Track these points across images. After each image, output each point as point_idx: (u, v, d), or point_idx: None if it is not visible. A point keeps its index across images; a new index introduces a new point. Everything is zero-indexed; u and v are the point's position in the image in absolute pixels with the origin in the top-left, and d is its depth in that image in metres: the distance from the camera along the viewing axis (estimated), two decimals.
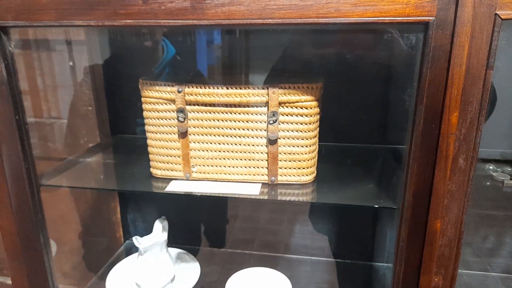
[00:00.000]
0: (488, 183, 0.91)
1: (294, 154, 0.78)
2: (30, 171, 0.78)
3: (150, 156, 0.84)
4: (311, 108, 0.75)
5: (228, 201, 1.16)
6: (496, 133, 0.95)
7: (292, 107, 0.75)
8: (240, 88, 0.75)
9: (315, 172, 0.82)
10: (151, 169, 0.86)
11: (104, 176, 0.92)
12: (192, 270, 1.06)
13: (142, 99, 0.80)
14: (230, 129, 0.78)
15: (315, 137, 0.78)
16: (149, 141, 0.83)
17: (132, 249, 1.25)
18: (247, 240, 1.18)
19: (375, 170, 0.90)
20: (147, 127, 0.82)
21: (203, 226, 1.23)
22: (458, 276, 1.02)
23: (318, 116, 0.76)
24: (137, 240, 0.97)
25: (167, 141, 0.81)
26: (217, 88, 0.75)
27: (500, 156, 0.99)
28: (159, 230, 1.05)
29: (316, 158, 0.81)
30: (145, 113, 0.81)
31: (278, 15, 0.60)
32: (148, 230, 1.04)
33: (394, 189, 0.76)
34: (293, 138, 0.77)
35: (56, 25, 0.66)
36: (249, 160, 0.80)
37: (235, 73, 0.88)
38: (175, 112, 0.78)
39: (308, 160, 0.79)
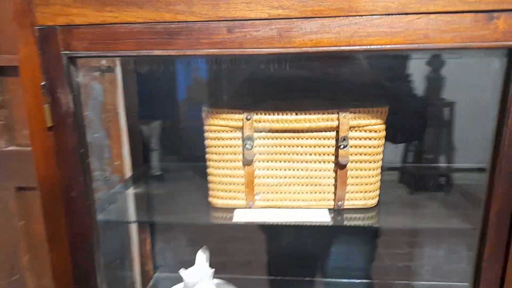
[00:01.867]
0: None
1: (361, 178, 0.78)
2: (90, 206, 0.74)
3: (210, 186, 0.82)
4: (379, 132, 0.76)
5: (268, 229, 1.14)
6: None
7: (361, 131, 0.75)
8: (310, 114, 0.75)
9: (379, 195, 0.82)
10: (211, 199, 0.83)
11: (160, 207, 0.89)
12: None
13: (206, 127, 0.79)
14: (297, 154, 0.78)
15: (381, 160, 0.79)
16: (210, 170, 0.81)
17: (159, 284, 1.20)
18: (294, 266, 1.16)
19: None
20: (209, 156, 0.80)
21: (238, 255, 1.20)
22: None
23: (384, 139, 0.77)
24: (185, 274, 0.94)
25: (230, 169, 0.80)
26: (286, 114, 0.75)
27: None
28: (203, 260, 1.01)
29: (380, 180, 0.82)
30: (208, 142, 0.79)
31: (366, 42, 0.61)
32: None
33: (461, 208, 0.77)
34: (361, 162, 0.77)
35: (133, 55, 0.64)
36: (315, 185, 0.79)
37: (294, 97, 0.88)
38: (241, 139, 0.77)
39: (374, 184, 0.79)
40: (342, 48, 0.62)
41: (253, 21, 0.61)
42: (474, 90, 1.12)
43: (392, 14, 0.60)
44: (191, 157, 1.22)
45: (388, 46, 0.61)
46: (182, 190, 0.96)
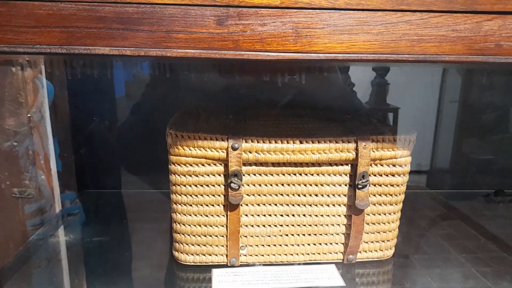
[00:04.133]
0: None
1: (380, 224, 0.60)
2: None
3: (177, 236, 0.60)
4: (405, 166, 0.58)
5: None
6: None
7: (383, 165, 0.57)
8: (319, 142, 0.55)
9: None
10: (176, 253, 0.61)
11: (99, 264, 0.63)
12: None
13: (172, 158, 0.56)
14: (299, 195, 0.58)
15: (402, 201, 0.61)
16: (176, 216, 0.58)
17: None
18: None
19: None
20: (175, 197, 0.58)
21: None
22: None
23: (408, 176, 0.60)
24: None
25: (207, 216, 0.58)
26: (288, 143, 0.55)
27: None
28: None
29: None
30: (173, 178, 0.57)
31: (418, 49, 0.42)
32: None
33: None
34: (381, 205, 0.59)
35: (62, 52, 0.40)
36: (321, 235, 0.60)
37: (292, 116, 0.67)
38: (223, 175, 0.56)
39: (394, 230, 0.62)
40: (384, 56, 0.43)
41: (258, 9, 0.40)
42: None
43: (455, 12, 0.42)
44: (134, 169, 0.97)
45: (447, 57, 0.43)
46: (130, 232, 0.72)
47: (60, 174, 0.85)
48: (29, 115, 0.77)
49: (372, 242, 0.61)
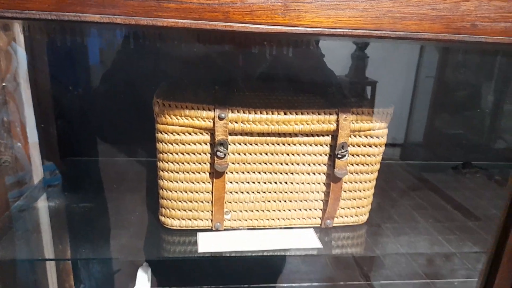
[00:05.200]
0: None
1: (356, 191, 0.64)
2: None
3: (163, 202, 0.62)
4: (381, 137, 0.62)
5: None
6: None
7: (361, 136, 0.61)
8: (302, 113, 0.57)
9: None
10: (162, 218, 0.63)
11: (84, 229, 0.65)
12: None
13: (159, 126, 0.57)
14: (281, 164, 0.60)
15: (377, 170, 0.65)
16: (163, 183, 0.60)
17: None
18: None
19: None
20: (161, 164, 0.59)
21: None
22: None
23: (384, 147, 0.63)
24: None
25: (193, 183, 0.60)
26: (272, 113, 0.57)
27: None
28: (145, 280, 0.82)
29: None
30: (160, 146, 0.58)
31: (400, 26, 0.45)
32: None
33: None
34: (358, 173, 0.63)
35: (50, 18, 0.40)
36: (301, 201, 0.63)
37: (277, 89, 0.69)
38: (210, 144, 0.58)
39: (369, 197, 0.66)
40: (368, 32, 0.44)
41: None
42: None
43: None
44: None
45: (426, 35, 0.45)
46: (115, 198, 0.74)
47: (39, 143, 0.84)
48: (3, 84, 0.76)
49: (348, 208, 0.65)
